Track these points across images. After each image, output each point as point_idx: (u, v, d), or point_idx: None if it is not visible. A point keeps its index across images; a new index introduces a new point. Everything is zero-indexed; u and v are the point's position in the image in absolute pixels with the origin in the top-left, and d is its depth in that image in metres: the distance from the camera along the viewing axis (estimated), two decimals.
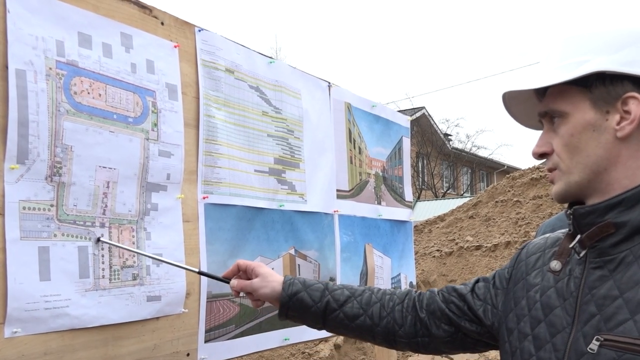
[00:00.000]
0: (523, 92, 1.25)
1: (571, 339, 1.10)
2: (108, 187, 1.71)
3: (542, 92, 1.21)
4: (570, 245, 1.17)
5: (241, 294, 1.69)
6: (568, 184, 1.16)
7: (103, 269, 1.68)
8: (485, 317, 1.38)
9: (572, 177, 1.15)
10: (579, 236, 1.15)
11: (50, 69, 1.56)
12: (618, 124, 1.10)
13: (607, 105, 1.11)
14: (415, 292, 1.56)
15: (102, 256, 1.68)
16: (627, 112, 1.09)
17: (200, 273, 1.80)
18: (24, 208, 1.50)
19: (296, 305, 1.56)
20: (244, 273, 1.67)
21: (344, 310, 1.53)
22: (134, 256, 1.78)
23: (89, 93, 1.65)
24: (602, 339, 1.04)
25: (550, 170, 1.21)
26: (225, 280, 1.69)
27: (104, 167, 1.69)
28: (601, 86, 1.11)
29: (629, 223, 1.08)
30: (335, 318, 1.54)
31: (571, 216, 1.16)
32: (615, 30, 1.14)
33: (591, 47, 1.13)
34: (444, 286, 1.53)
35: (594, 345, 1.05)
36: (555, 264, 1.20)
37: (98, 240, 1.67)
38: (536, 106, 1.24)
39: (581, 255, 1.16)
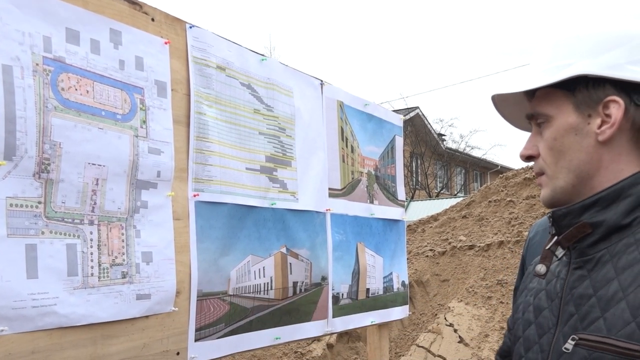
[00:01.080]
0: (513, 94, 1.24)
1: (554, 340, 1.11)
2: (97, 184, 1.69)
3: (532, 94, 1.21)
4: (547, 247, 1.18)
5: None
6: (554, 190, 1.17)
7: (92, 267, 1.67)
8: (512, 342, 1.40)
9: (557, 182, 1.15)
10: (555, 237, 1.16)
11: (37, 64, 1.54)
12: (599, 127, 1.10)
13: (589, 109, 1.11)
14: None
15: (91, 254, 1.67)
16: (608, 116, 1.09)
17: None
18: (10, 205, 1.48)
19: None
20: None
21: None
22: (123, 254, 1.76)
23: (76, 89, 1.64)
24: (577, 338, 1.05)
25: (537, 174, 1.21)
26: None
27: (93, 164, 1.67)
28: (584, 90, 1.11)
29: (605, 223, 1.08)
30: None
31: (551, 219, 1.17)
32: (599, 33, 1.13)
33: (576, 50, 1.13)
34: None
35: (569, 344, 1.06)
36: (540, 267, 1.20)
37: None
38: (527, 108, 1.24)
39: (560, 256, 1.17)
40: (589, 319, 1.05)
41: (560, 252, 1.17)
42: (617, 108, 1.08)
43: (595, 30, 1.14)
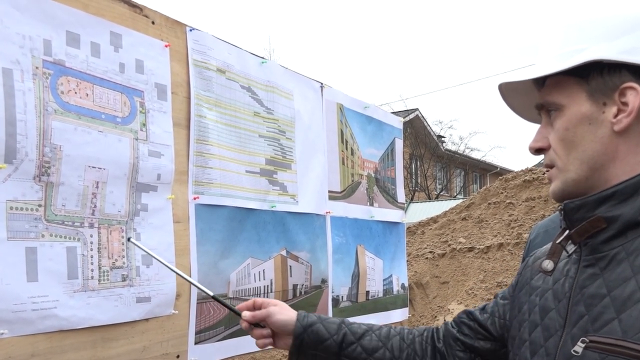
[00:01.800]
0: (522, 83, 1.18)
1: (561, 342, 1.05)
2: (97, 187, 1.69)
3: (541, 83, 1.14)
4: (558, 241, 1.12)
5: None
6: (565, 182, 1.10)
7: (92, 270, 1.67)
8: (494, 329, 1.34)
9: (568, 174, 1.09)
10: (567, 232, 1.10)
11: (36, 68, 1.54)
12: (615, 116, 1.03)
13: (604, 96, 1.04)
14: (441, 327, 1.51)
15: (91, 257, 1.67)
16: (625, 104, 1.02)
17: (214, 298, 1.65)
18: (11, 208, 1.48)
19: (311, 338, 1.45)
20: (259, 309, 1.56)
21: (362, 343, 1.44)
22: (123, 257, 1.76)
23: (75, 93, 1.64)
24: (588, 341, 0.98)
25: (548, 166, 1.15)
26: (238, 312, 1.57)
27: (93, 167, 1.67)
28: (598, 76, 1.04)
29: (621, 218, 1.01)
30: (352, 352, 1.44)
31: (562, 212, 1.10)
32: (615, 17, 1.06)
33: (589, 34, 1.06)
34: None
35: (579, 347, 0.99)
36: (547, 264, 1.14)
37: (129, 239, 1.70)
38: (537, 97, 1.17)
39: (570, 252, 1.10)
40: (601, 320, 0.98)
41: (571, 247, 1.10)
42: (634, 95, 1.01)
43: (610, 14, 1.07)
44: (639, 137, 1.04)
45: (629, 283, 0.97)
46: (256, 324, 1.54)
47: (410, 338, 1.47)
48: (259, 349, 2.36)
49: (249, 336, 2.25)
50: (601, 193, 1.04)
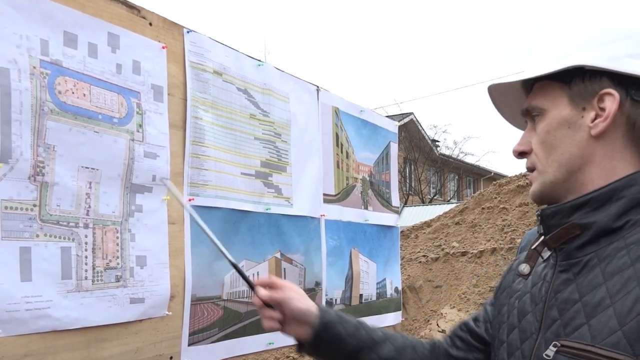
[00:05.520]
0: (511, 88, 1.22)
1: (536, 345, 1.07)
2: (90, 187, 1.69)
3: (529, 88, 1.18)
4: (533, 247, 1.14)
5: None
6: (543, 184, 1.12)
7: (86, 271, 1.67)
8: (488, 335, 1.34)
9: (547, 176, 1.11)
10: (542, 237, 1.12)
11: (34, 67, 1.54)
12: (592, 121, 1.06)
13: (583, 101, 1.07)
14: (439, 342, 1.48)
15: (86, 257, 1.67)
16: (602, 109, 1.05)
17: (234, 266, 1.57)
18: (5, 207, 1.48)
19: (329, 335, 1.39)
20: (274, 288, 1.46)
21: (380, 351, 1.40)
22: (117, 257, 1.76)
23: (73, 93, 1.64)
24: (559, 345, 1.00)
25: (529, 169, 1.17)
26: (253, 285, 1.47)
27: (86, 168, 1.67)
28: (580, 82, 1.07)
29: (595, 225, 1.04)
30: (365, 357, 1.40)
31: (539, 217, 1.13)
32: (599, 26, 1.11)
33: (575, 41, 1.10)
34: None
35: (550, 351, 1.01)
36: (523, 267, 1.16)
37: (164, 180, 1.83)
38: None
39: (545, 257, 1.13)
40: (572, 325, 1.00)
41: (546, 253, 1.13)
42: (612, 101, 1.04)
43: (595, 23, 1.11)
44: (615, 143, 1.07)
45: (600, 289, 0.99)
46: (268, 303, 1.43)
47: (420, 352, 1.43)
48: (253, 351, 2.36)
49: (243, 338, 2.26)
50: (576, 200, 1.07)
